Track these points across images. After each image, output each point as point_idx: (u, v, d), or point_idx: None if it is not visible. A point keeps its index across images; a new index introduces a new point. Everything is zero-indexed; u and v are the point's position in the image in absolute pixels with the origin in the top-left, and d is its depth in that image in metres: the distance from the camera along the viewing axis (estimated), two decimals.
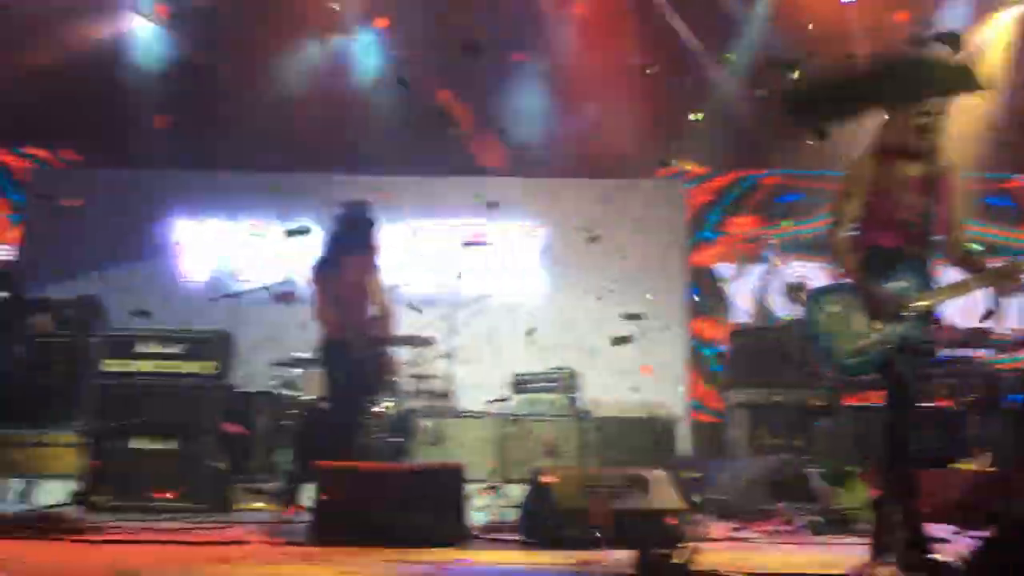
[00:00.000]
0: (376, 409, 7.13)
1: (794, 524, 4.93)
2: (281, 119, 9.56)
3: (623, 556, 3.28)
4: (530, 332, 8.70)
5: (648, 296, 9.55)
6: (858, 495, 5.59)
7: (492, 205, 8.86)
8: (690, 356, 9.90)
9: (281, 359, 7.86)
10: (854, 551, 4.13)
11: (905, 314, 3.65)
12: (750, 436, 7.74)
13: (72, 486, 6.19)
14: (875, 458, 5.90)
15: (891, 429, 3.67)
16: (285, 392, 7.36)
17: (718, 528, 5.07)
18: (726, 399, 8.49)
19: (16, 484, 6.55)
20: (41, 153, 10.30)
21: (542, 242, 10.07)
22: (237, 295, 8.05)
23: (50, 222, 9.34)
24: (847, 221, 3.81)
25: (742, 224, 10.25)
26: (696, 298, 9.99)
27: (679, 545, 1.74)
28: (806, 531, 4.83)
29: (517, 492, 5.64)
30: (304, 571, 3.15)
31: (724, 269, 10.20)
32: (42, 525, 4.47)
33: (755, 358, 7.90)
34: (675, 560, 1.74)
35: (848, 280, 3.80)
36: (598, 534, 4.04)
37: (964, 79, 3.17)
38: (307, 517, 4.56)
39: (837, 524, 5.01)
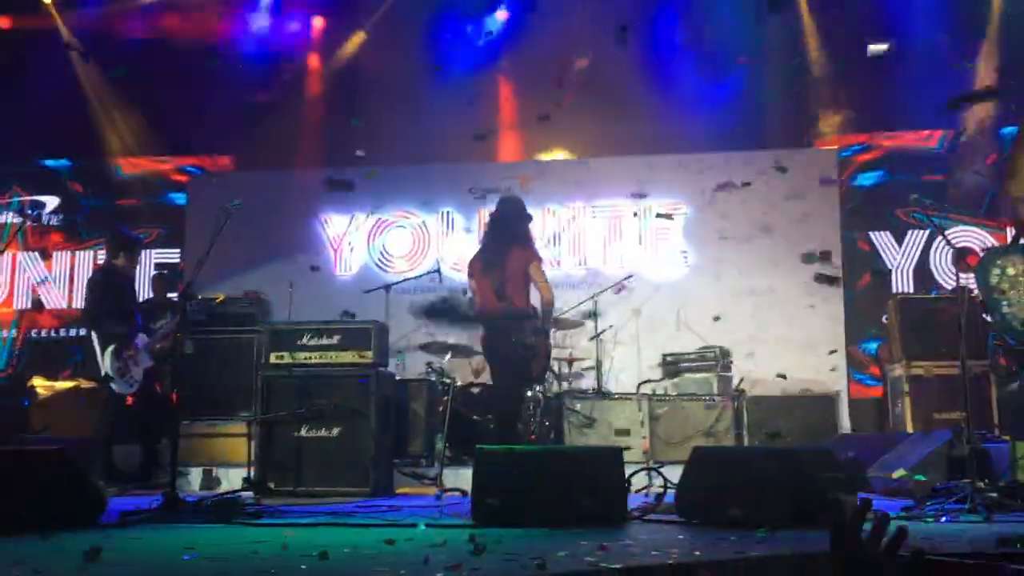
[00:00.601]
0: (530, 393, 7.22)
1: (971, 501, 4.66)
2: (421, 111, 9.78)
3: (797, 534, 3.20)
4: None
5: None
6: None
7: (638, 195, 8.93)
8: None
9: (429, 344, 8.07)
10: None
11: None
12: (914, 411, 7.42)
13: (245, 473, 6.54)
14: None
15: None
16: (439, 379, 7.53)
17: (889, 507, 4.87)
18: (889, 372, 8.16)
19: (196, 472, 6.97)
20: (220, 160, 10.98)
21: (688, 219, 9.88)
22: (388, 286, 8.29)
23: (212, 223, 9.89)
24: None
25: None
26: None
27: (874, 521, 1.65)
28: (984, 508, 4.56)
29: (671, 472, 5.57)
30: (467, 552, 3.20)
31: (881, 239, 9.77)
32: (221, 510, 4.74)
33: (920, 329, 7.55)
34: (873, 540, 1.65)
35: None
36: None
37: None
38: (465, 499, 4.65)
39: (1020, 500, 4.73)
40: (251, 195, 9.75)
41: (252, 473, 6.31)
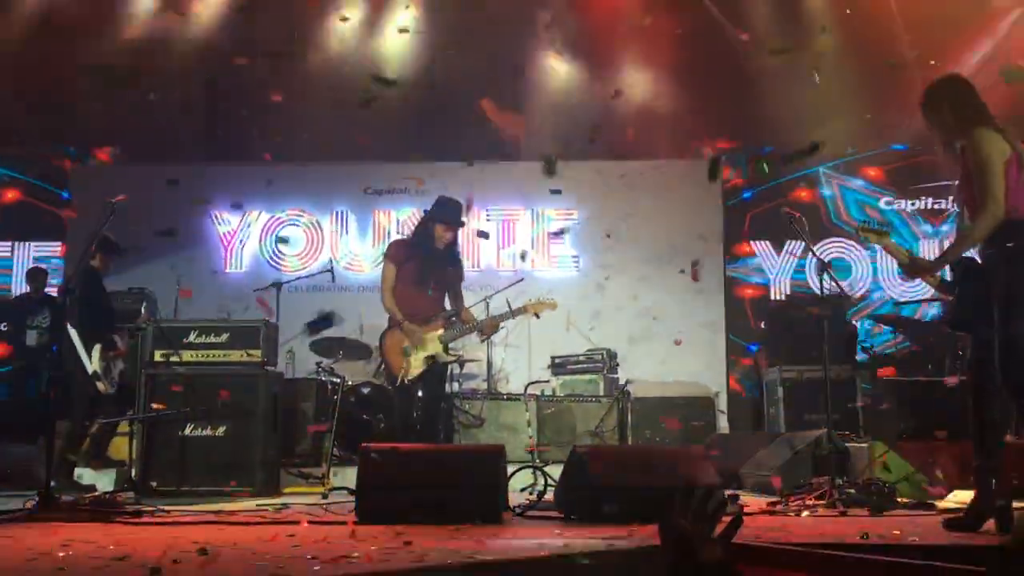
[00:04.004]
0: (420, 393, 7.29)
1: (831, 497, 4.96)
2: (320, 109, 9.73)
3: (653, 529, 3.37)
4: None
5: (680, 271, 9.64)
6: (896, 468, 5.63)
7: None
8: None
9: (319, 343, 8.06)
10: (887, 523, 4.20)
11: None
12: (787, 412, 7.78)
13: (127, 473, 6.42)
14: (910, 430, 5.97)
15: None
16: (329, 379, 7.54)
17: (757, 502, 5.14)
18: (764, 376, 8.53)
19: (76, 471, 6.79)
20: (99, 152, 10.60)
21: (578, 224, 10.13)
22: (279, 285, 8.25)
23: (95, 218, 9.63)
24: None
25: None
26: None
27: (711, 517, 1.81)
28: (843, 504, 4.87)
29: (556, 471, 5.74)
30: (350, 550, 3.28)
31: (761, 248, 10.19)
32: (100, 509, 4.68)
33: (792, 335, 7.93)
34: (701, 531, 1.82)
35: None
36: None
37: None
38: (352, 498, 4.71)
39: (875, 497, 5.06)
40: (139, 189, 9.61)
41: (133, 472, 6.20)
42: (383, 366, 6.38)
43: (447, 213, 6.19)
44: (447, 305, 6.23)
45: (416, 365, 6.01)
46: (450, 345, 6.20)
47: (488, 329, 6.27)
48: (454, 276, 6.24)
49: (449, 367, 8.04)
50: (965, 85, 4.16)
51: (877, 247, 4.55)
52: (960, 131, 4.04)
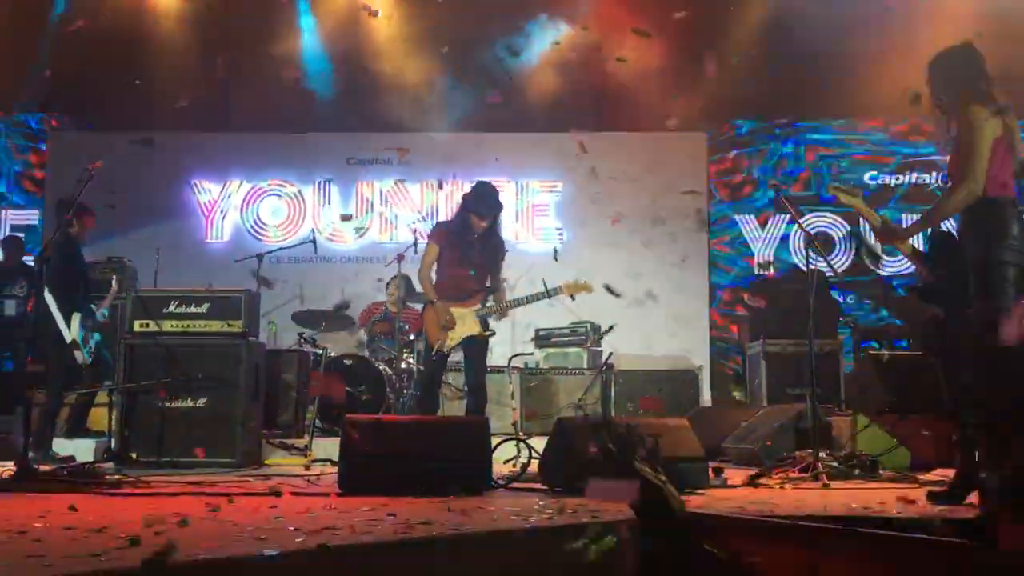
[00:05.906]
0: (403, 365, 7.28)
1: (814, 470, 4.97)
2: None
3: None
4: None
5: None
6: (877, 440, 5.66)
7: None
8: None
9: (302, 314, 7.99)
10: (871, 495, 4.21)
11: None
12: (770, 385, 7.80)
13: (107, 443, 6.36)
14: (893, 403, 5.98)
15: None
16: (311, 349, 7.49)
17: (739, 475, 5.14)
18: (748, 349, 8.54)
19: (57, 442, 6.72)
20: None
21: (561, 196, 10.09)
22: (261, 255, 8.16)
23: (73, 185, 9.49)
24: None
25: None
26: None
27: (680, 492, 1.80)
28: (826, 476, 4.88)
29: (540, 443, 5.72)
30: (333, 520, 3.24)
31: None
32: (79, 479, 4.62)
33: (775, 308, 7.93)
34: (668, 503, 1.80)
35: None
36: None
37: None
38: (335, 469, 4.68)
39: (858, 469, 5.09)
40: (116, 157, 9.48)
41: (112, 443, 6.13)
42: (419, 335, 6.44)
43: (481, 205, 6.21)
44: (488, 283, 6.28)
45: (453, 339, 6.09)
46: (488, 320, 6.24)
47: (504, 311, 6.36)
48: (494, 256, 6.28)
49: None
50: (967, 58, 4.05)
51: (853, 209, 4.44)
52: (955, 107, 3.96)
